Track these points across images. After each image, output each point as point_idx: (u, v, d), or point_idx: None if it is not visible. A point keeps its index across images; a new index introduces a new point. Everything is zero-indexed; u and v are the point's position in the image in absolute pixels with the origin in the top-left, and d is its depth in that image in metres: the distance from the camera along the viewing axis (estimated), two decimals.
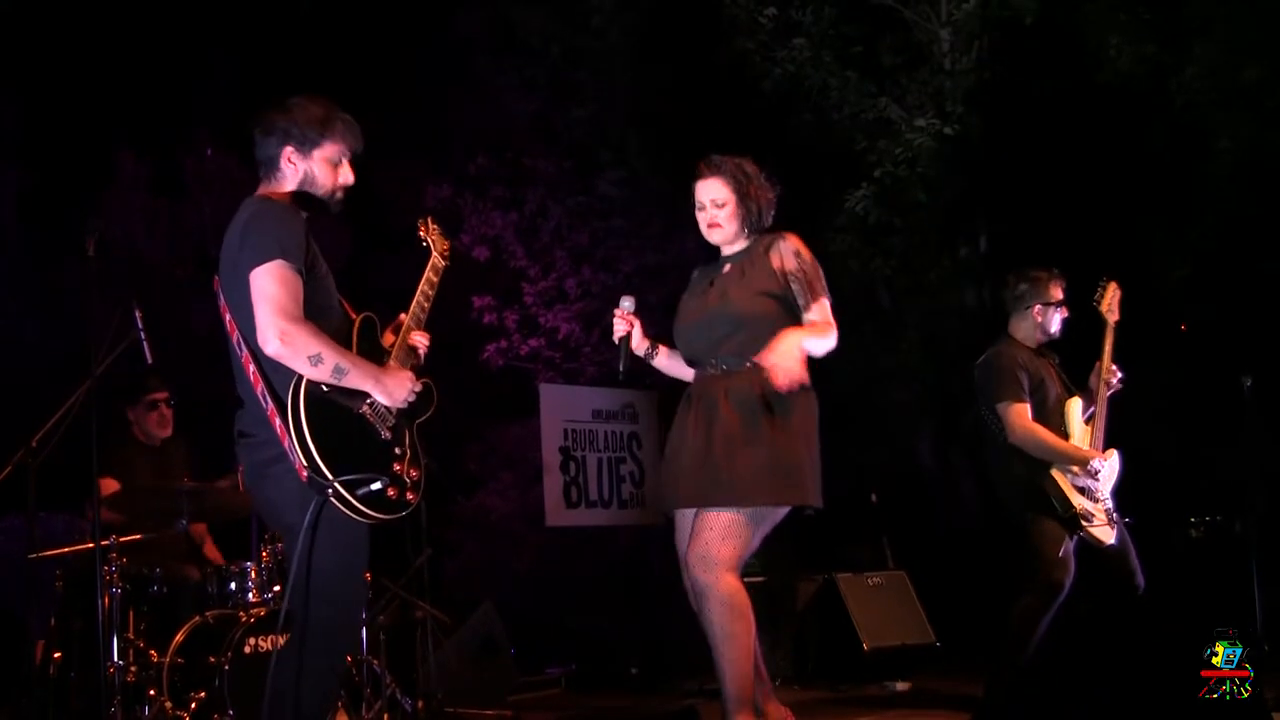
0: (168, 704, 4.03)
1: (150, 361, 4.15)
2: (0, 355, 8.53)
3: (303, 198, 2.78)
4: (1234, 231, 6.85)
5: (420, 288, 2.99)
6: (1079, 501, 3.96)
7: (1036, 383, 4.07)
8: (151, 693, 4.07)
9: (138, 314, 4.08)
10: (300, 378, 2.58)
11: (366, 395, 2.69)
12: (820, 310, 3.21)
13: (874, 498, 6.49)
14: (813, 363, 3.23)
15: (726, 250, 3.40)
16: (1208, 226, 6.99)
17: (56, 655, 4.20)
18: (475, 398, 9.00)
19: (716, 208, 3.31)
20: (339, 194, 2.84)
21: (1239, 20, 6.62)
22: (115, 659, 3.90)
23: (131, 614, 4.16)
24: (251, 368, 2.67)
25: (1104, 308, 4.13)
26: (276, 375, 2.63)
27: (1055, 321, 4.18)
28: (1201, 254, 7.04)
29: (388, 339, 2.91)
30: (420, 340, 2.92)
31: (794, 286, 3.23)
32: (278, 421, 2.59)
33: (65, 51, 9.82)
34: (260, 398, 2.65)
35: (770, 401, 3.16)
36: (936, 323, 8.09)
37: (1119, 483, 4.10)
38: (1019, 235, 7.38)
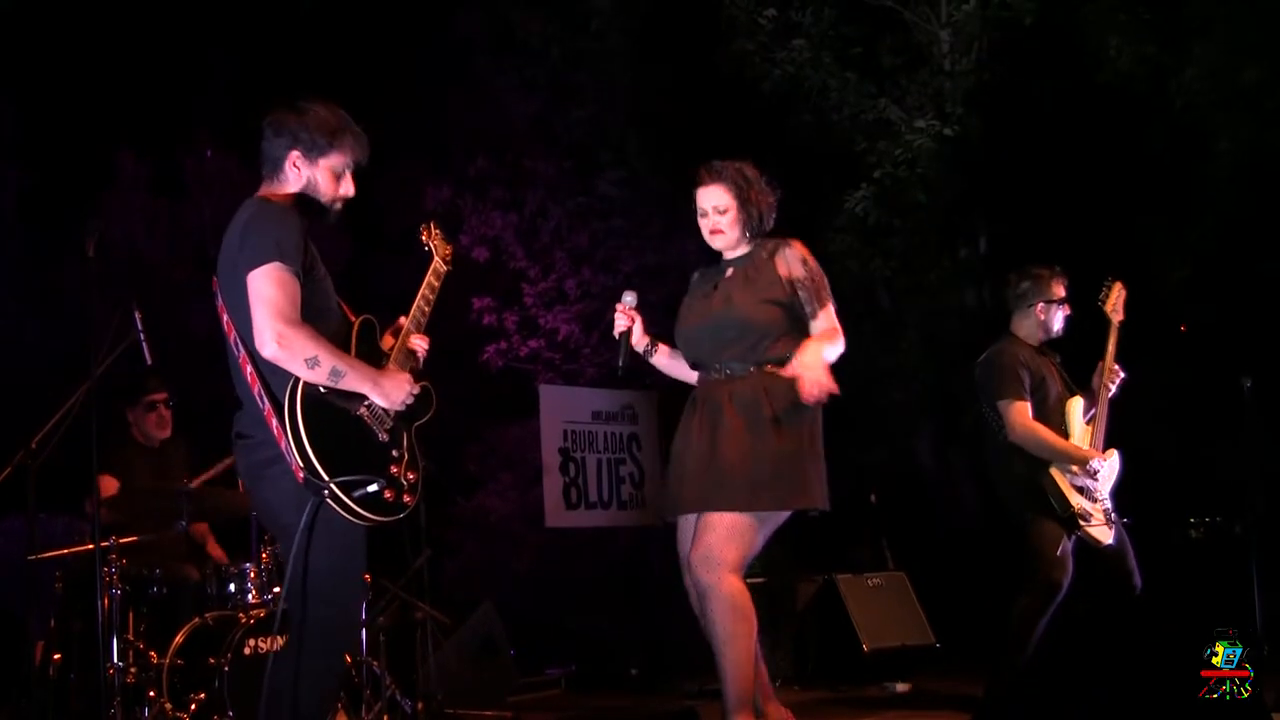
0: (167, 705, 4.03)
1: (150, 362, 4.15)
2: (0, 355, 8.52)
3: (303, 201, 2.78)
4: (1234, 232, 6.85)
5: (421, 291, 2.99)
6: (1077, 501, 3.96)
7: (1038, 381, 4.07)
8: (151, 694, 4.07)
9: (137, 315, 4.08)
10: (298, 379, 2.58)
11: (364, 397, 2.69)
12: (828, 317, 3.25)
13: (874, 498, 6.49)
14: None
15: (729, 254, 3.41)
16: (1207, 227, 6.99)
17: (56, 656, 4.20)
18: (475, 399, 9.00)
19: (719, 214, 3.32)
20: (338, 204, 2.85)
21: (1239, 21, 6.61)
22: (115, 660, 3.90)
23: (131, 615, 4.16)
24: (249, 368, 2.67)
25: (1109, 307, 4.14)
26: (274, 376, 2.63)
27: (1058, 320, 4.19)
28: (1201, 255, 7.04)
29: (387, 342, 2.91)
30: (419, 344, 2.92)
31: (801, 294, 3.25)
32: (274, 422, 2.59)
33: (65, 52, 9.82)
34: (257, 398, 2.65)
35: (774, 405, 3.18)
36: (936, 323, 8.09)
37: (1119, 483, 4.11)
38: (1019, 236, 7.38)
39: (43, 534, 4.28)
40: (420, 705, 4.70)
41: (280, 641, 2.79)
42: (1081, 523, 3.94)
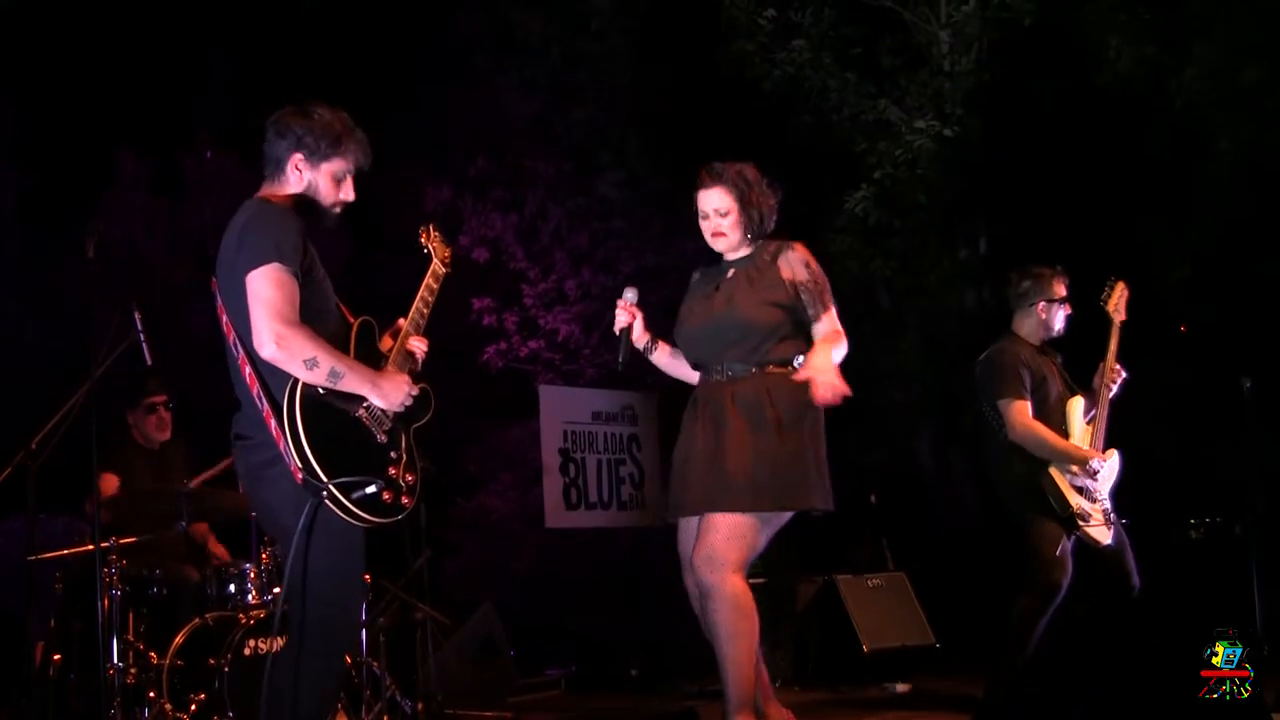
0: (167, 706, 4.03)
1: (150, 363, 4.15)
2: (0, 355, 8.52)
3: (302, 203, 2.78)
4: (1234, 233, 6.85)
5: (420, 294, 2.99)
6: (1076, 501, 3.96)
7: (1038, 380, 4.07)
8: (151, 694, 4.07)
9: (137, 315, 4.08)
10: (296, 380, 2.58)
11: (363, 399, 2.69)
12: (831, 321, 3.27)
13: (874, 499, 6.49)
14: None
15: (730, 256, 3.41)
16: (1207, 228, 6.99)
17: (56, 657, 4.20)
18: (475, 399, 8.99)
19: (720, 216, 3.32)
20: (337, 209, 2.85)
21: (1239, 21, 6.61)
22: (115, 661, 3.90)
23: (131, 616, 4.16)
24: (248, 369, 2.67)
25: (1111, 307, 4.14)
26: (273, 377, 2.63)
27: (1059, 319, 4.19)
28: (1201, 255, 7.04)
29: (386, 344, 2.91)
30: (418, 346, 2.92)
31: (804, 297, 3.26)
32: (273, 423, 2.59)
33: (65, 51, 9.81)
34: (257, 399, 2.65)
35: (777, 406, 3.19)
36: (936, 324, 8.09)
37: (1119, 483, 4.11)
38: (1019, 236, 7.38)
39: (43, 534, 4.28)
40: (420, 706, 4.70)
41: (280, 642, 2.78)
42: (1080, 523, 3.94)
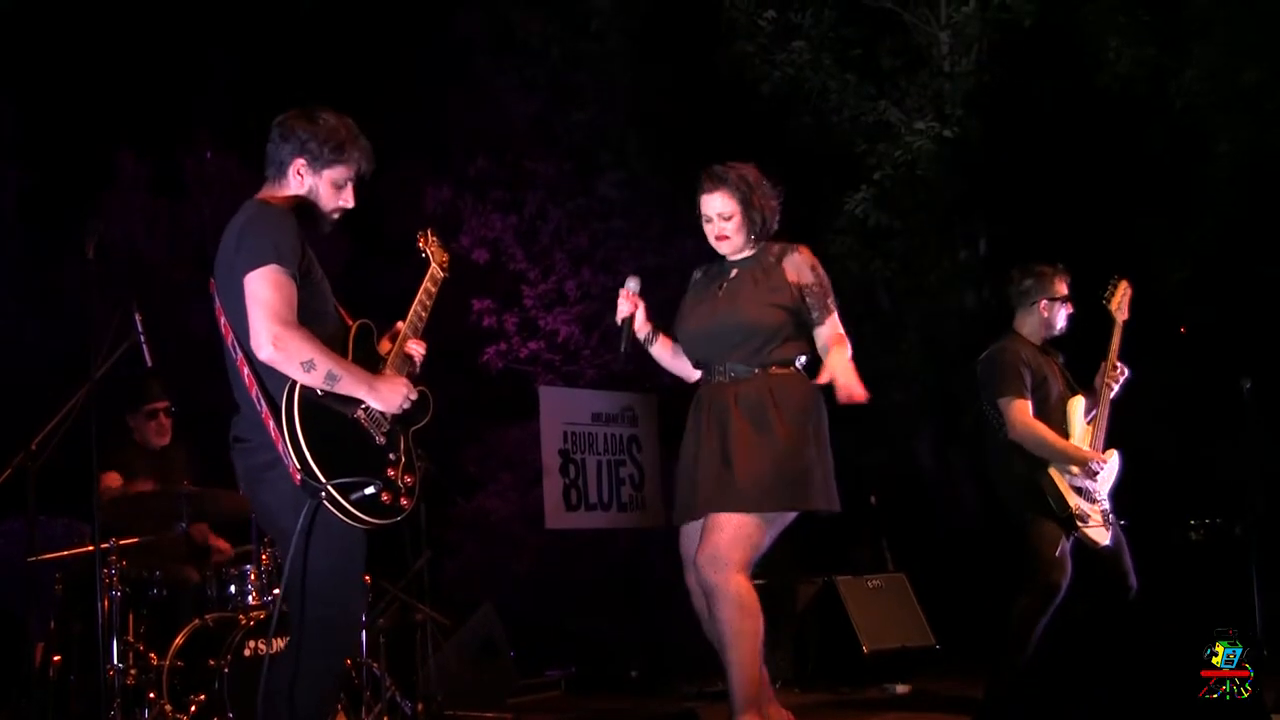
0: (167, 707, 4.03)
1: (150, 364, 4.15)
2: (0, 355, 8.51)
3: (301, 205, 2.78)
4: (1234, 234, 6.85)
5: (418, 297, 2.99)
6: (1075, 502, 3.96)
7: (1039, 380, 4.07)
8: (151, 696, 4.07)
9: (137, 316, 4.08)
10: (295, 381, 2.58)
11: (361, 400, 2.69)
12: (835, 324, 3.29)
13: (874, 500, 6.49)
14: (815, 367, 3.27)
15: (734, 256, 3.42)
16: (1207, 229, 6.99)
17: (56, 658, 4.20)
18: (475, 400, 8.99)
19: (724, 220, 3.33)
20: (336, 214, 2.85)
21: (1238, 23, 6.62)
22: (115, 662, 3.89)
23: (131, 617, 4.16)
24: (246, 371, 2.67)
25: (1114, 306, 4.14)
26: (271, 379, 2.63)
27: (1061, 317, 4.19)
28: (1201, 256, 7.04)
29: (384, 346, 2.91)
30: (416, 349, 2.92)
31: (808, 300, 3.28)
32: (272, 425, 2.59)
33: (65, 51, 9.81)
34: (255, 401, 2.65)
35: (780, 407, 3.20)
36: (936, 325, 8.09)
37: (1118, 483, 4.11)
38: (1019, 237, 7.37)
39: (43, 536, 4.28)
40: (420, 707, 4.70)
41: (280, 643, 2.78)
42: (1079, 524, 3.94)
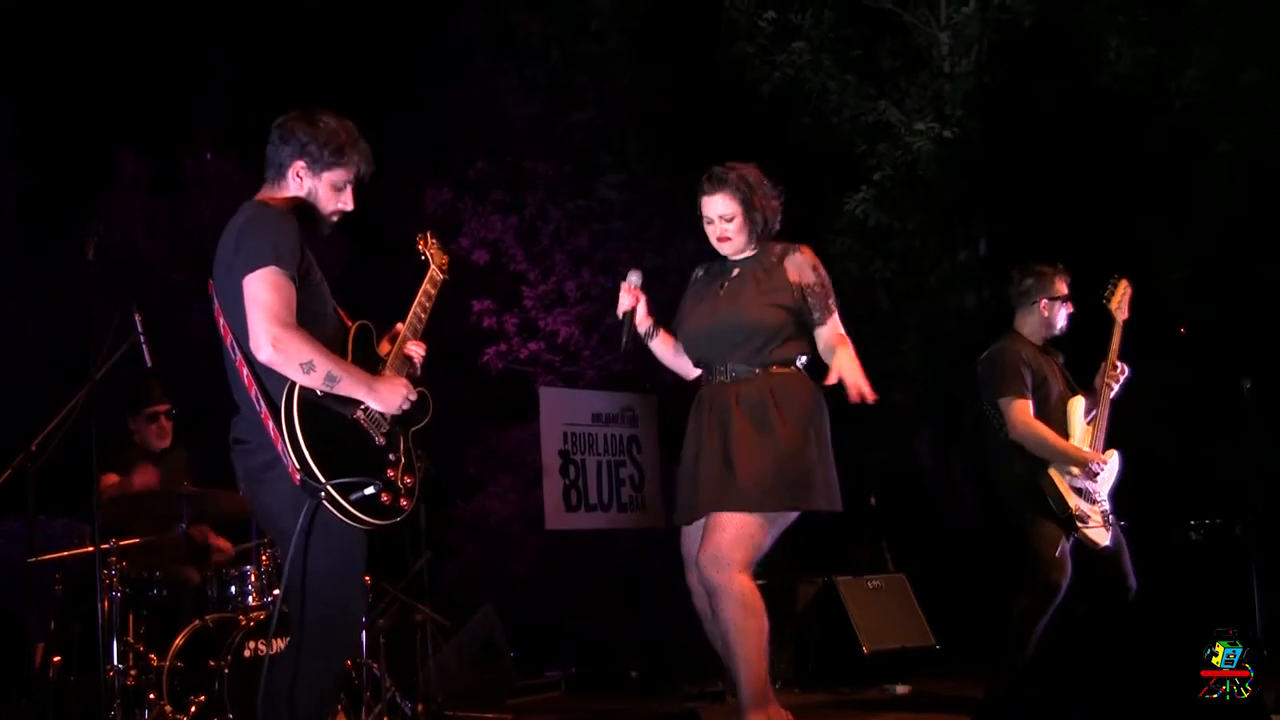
0: (167, 708, 4.03)
1: (149, 364, 4.15)
2: (0, 355, 8.51)
3: (300, 207, 2.78)
4: (1234, 234, 6.85)
5: (418, 299, 2.99)
6: (1075, 503, 3.96)
7: (1039, 380, 4.07)
8: (151, 696, 4.07)
9: (137, 317, 4.08)
10: (294, 382, 2.58)
11: (361, 401, 2.69)
12: (837, 324, 3.30)
13: (874, 500, 6.49)
14: (816, 367, 3.28)
15: (735, 256, 3.42)
16: (1207, 229, 6.99)
17: (56, 659, 4.20)
18: (475, 401, 8.99)
19: (725, 222, 3.34)
20: (335, 217, 2.85)
21: (1238, 23, 6.62)
22: (115, 663, 3.90)
23: (131, 617, 4.16)
24: (245, 371, 2.67)
25: (1114, 305, 4.14)
26: (270, 379, 2.63)
27: (1061, 316, 4.19)
28: (1201, 256, 7.04)
29: (384, 348, 2.91)
30: (416, 350, 2.92)
31: (809, 300, 3.28)
32: (271, 425, 2.59)
33: (65, 51, 9.81)
34: (255, 401, 2.66)
35: (781, 407, 3.21)
36: (936, 325, 8.09)
37: (1118, 483, 4.11)
38: (1019, 238, 7.37)
39: (43, 536, 4.28)
40: (420, 707, 4.70)
41: (280, 644, 2.78)
42: (1080, 524, 3.94)
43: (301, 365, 2.57)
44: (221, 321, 2.74)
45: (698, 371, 3.47)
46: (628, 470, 7.08)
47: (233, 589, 4.35)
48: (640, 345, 3.46)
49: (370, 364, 2.79)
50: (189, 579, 4.50)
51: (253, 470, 2.71)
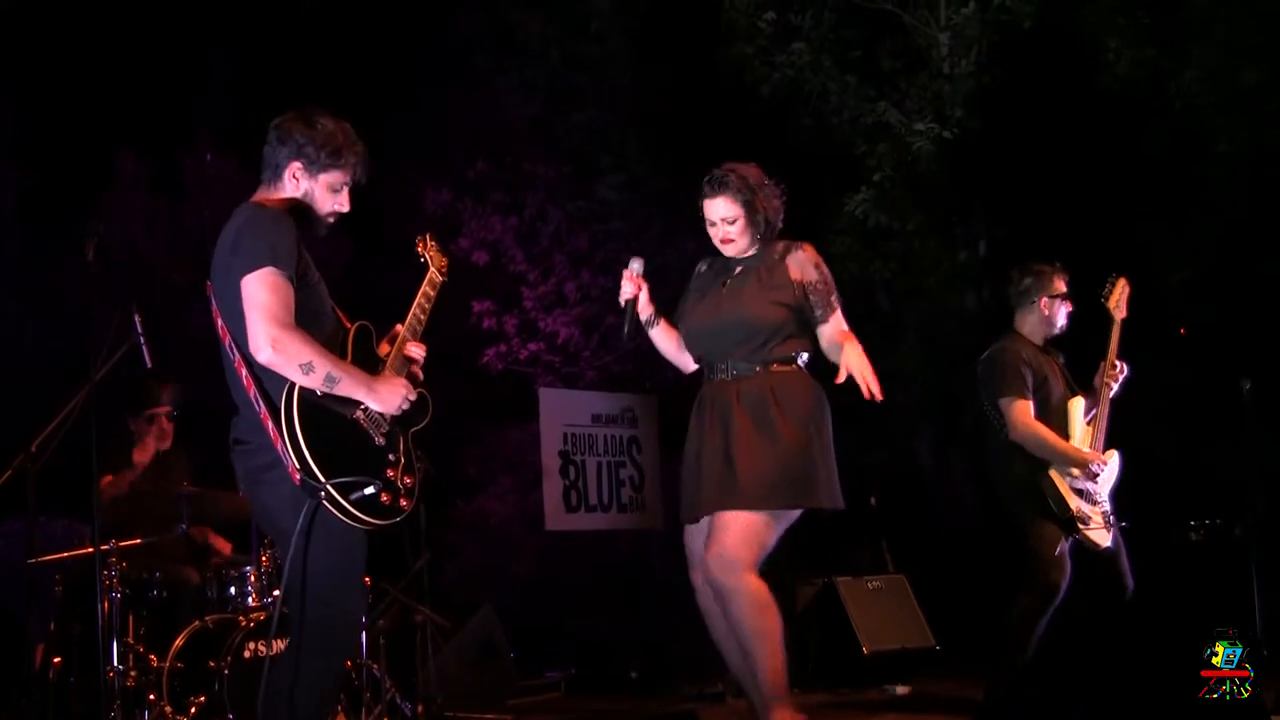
0: (167, 709, 4.03)
1: (149, 365, 4.15)
2: (0, 355, 8.51)
3: (297, 209, 2.79)
4: (1233, 234, 6.85)
5: (417, 300, 3.00)
6: (1076, 504, 3.96)
7: (1040, 380, 4.07)
8: (151, 697, 4.07)
9: (137, 318, 4.08)
10: (293, 382, 2.58)
11: (360, 402, 2.69)
12: (840, 320, 3.30)
13: (874, 501, 6.49)
14: (816, 366, 3.28)
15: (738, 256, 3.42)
16: (1207, 229, 6.99)
17: (56, 660, 4.20)
18: (475, 402, 8.98)
19: (728, 224, 3.34)
20: (332, 218, 2.85)
21: (1238, 23, 6.62)
22: (115, 663, 3.90)
23: (131, 618, 4.16)
24: (245, 372, 2.68)
25: (1112, 304, 4.14)
26: (270, 379, 2.63)
27: (1061, 315, 4.19)
28: (1201, 256, 7.04)
29: (383, 349, 2.91)
30: (416, 351, 2.92)
31: (812, 298, 3.29)
32: (271, 425, 2.59)
33: (65, 51, 9.81)
34: (254, 401, 2.66)
35: (782, 404, 3.21)
36: (936, 326, 8.09)
37: (1118, 483, 4.11)
38: (1018, 238, 7.38)
39: (43, 537, 4.28)
40: (420, 708, 4.70)
41: (280, 645, 2.79)
42: (1080, 525, 3.94)
43: (301, 366, 2.57)
44: (220, 323, 2.74)
45: (695, 366, 3.47)
46: (628, 471, 7.08)
47: (232, 590, 4.35)
48: (643, 335, 3.46)
49: (369, 365, 2.79)
50: (189, 580, 4.50)
51: (253, 471, 2.71)
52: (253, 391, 2.66)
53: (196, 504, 4.38)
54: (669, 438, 6.83)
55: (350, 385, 2.65)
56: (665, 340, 3.49)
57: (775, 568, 5.67)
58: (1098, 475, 4.02)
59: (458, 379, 8.67)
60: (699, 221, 3.42)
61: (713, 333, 3.36)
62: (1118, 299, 4.15)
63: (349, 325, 2.84)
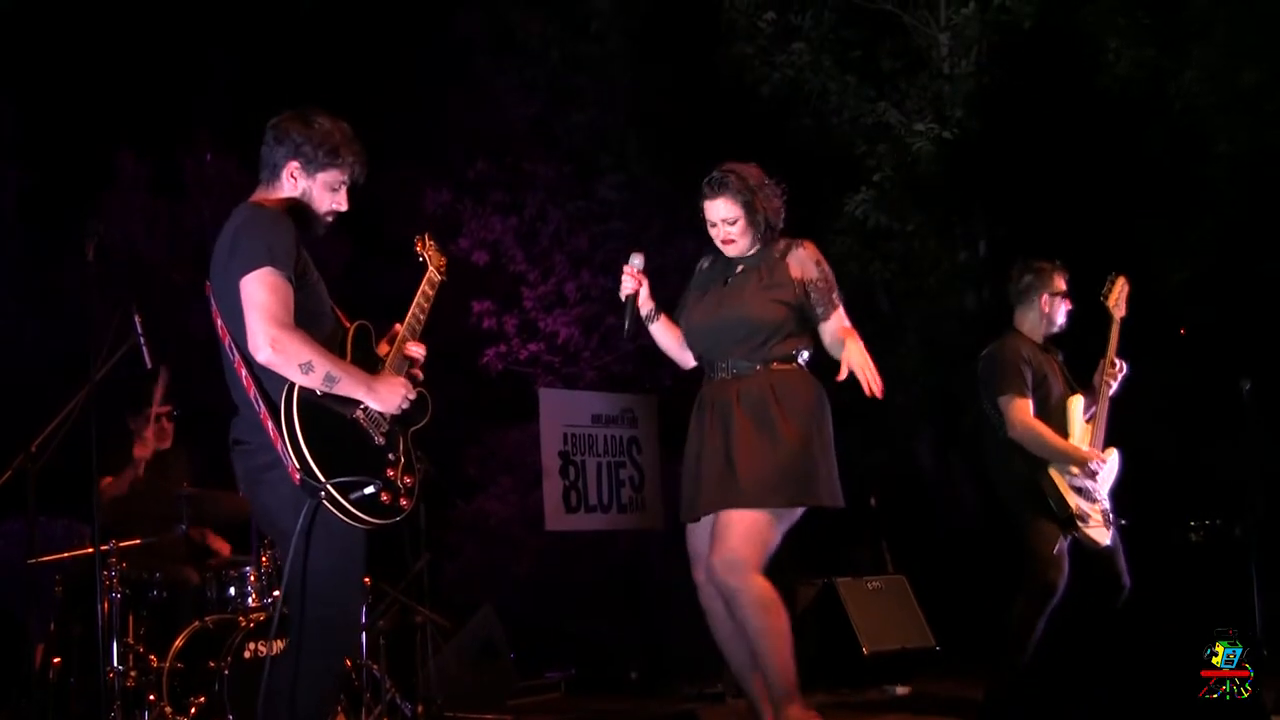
0: (167, 709, 4.03)
1: (149, 366, 4.15)
2: (0, 355, 8.51)
3: (295, 208, 2.79)
4: (1233, 234, 6.85)
5: (416, 300, 3.00)
6: (1075, 502, 3.96)
7: (1039, 378, 4.07)
8: (151, 698, 4.08)
9: (137, 318, 4.08)
10: (293, 382, 2.58)
11: (360, 401, 2.69)
12: (842, 317, 3.30)
13: (873, 501, 6.49)
14: (815, 364, 3.28)
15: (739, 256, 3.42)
16: (1207, 230, 6.99)
17: (56, 660, 4.21)
18: (475, 402, 8.98)
19: (729, 225, 3.34)
20: (330, 218, 2.85)
21: (1238, 24, 6.62)
22: (115, 664, 3.90)
23: (131, 618, 4.16)
24: (244, 372, 2.68)
25: (1111, 302, 4.14)
26: (269, 379, 2.63)
27: (1061, 313, 4.19)
28: (1201, 256, 7.04)
29: (382, 349, 2.91)
30: (415, 351, 2.92)
31: (813, 295, 3.29)
32: (270, 425, 2.59)
33: (65, 51, 9.81)
34: (254, 401, 2.66)
35: (782, 403, 3.21)
36: (936, 326, 8.10)
37: (1118, 483, 4.11)
38: (1018, 239, 7.37)
39: (43, 537, 4.28)
40: (420, 709, 4.70)
41: (280, 645, 2.79)
42: (1080, 524, 3.94)
43: (300, 366, 2.57)
44: (219, 323, 2.74)
45: (695, 363, 3.47)
46: (628, 471, 7.08)
47: (232, 590, 4.35)
48: (643, 329, 3.46)
49: (369, 364, 2.79)
50: (189, 580, 4.50)
51: (252, 471, 2.71)
52: (252, 391, 2.66)
53: (196, 504, 4.38)
54: (669, 438, 6.83)
55: (350, 385, 2.65)
56: (666, 336, 3.49)
57: (775, 568, 5.70)
58: (1097, 473, 4.02)
59: (458, 379, 8.68)
60: (699, 221, 3.42)
61: (713, 331, 3.36)
62: (1117, 298, 4.15)
63: (348, 325, 2.84)
